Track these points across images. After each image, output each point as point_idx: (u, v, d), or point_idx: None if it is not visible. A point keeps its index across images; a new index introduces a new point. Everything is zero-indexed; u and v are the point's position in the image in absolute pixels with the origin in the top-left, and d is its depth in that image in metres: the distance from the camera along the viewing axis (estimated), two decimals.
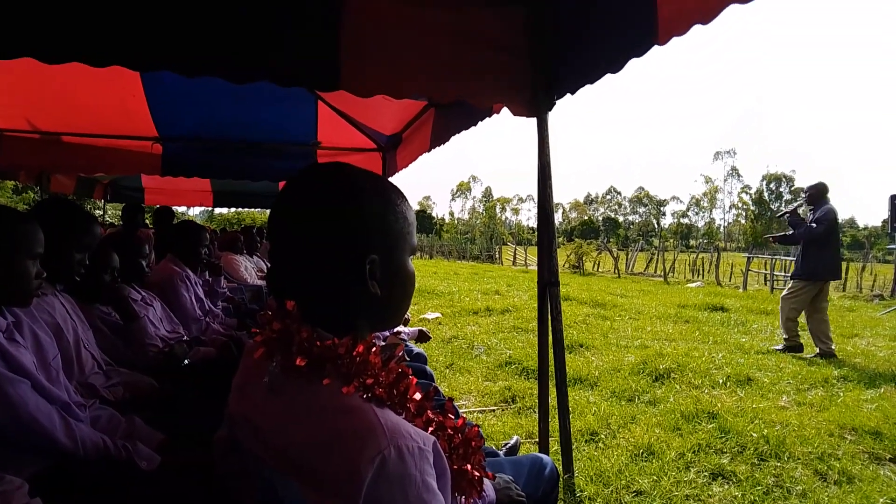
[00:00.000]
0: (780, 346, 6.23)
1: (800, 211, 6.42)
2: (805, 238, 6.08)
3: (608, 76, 2.17)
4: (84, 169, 6.43)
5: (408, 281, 0.92)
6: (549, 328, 2.72)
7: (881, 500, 2.69)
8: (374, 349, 0.83)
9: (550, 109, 2.62)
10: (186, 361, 2.44)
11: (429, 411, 0.89)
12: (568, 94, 2.49)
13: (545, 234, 2.73)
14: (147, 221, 8.17)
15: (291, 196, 0.87)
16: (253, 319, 3.96)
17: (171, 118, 4.82)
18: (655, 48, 1.89)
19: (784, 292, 6.37)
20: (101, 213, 12.51)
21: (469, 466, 0.91)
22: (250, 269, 6.29)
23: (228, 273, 5.68)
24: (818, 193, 6.23)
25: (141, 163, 5.45)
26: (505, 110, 2.76)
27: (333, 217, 0.84)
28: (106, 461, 1.45)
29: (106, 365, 2.04)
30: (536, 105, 2.61)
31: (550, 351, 2.74)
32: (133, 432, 1.63)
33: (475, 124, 3.22)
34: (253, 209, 31.85)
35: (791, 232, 6.41)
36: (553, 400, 2.78)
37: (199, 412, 1.89)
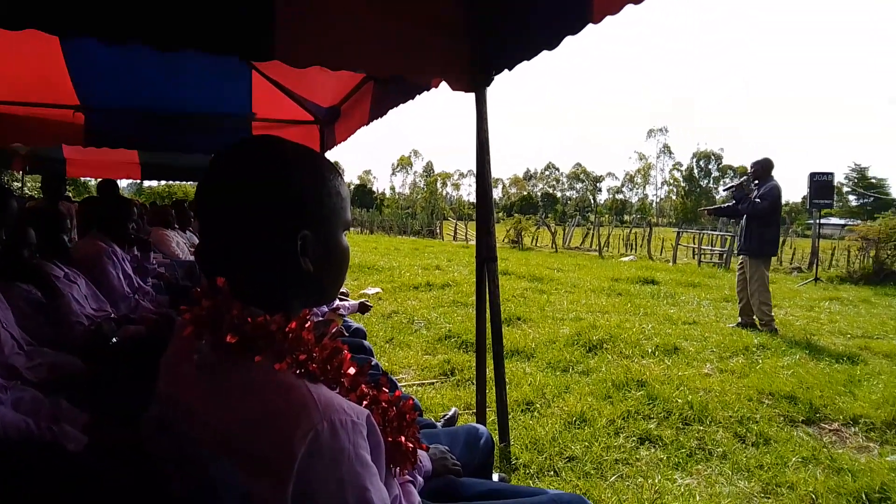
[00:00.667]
0: (736, 324, 6.19)
1: (743, 186, 6.37)
2: (749, 213, 6.06)
3: (545, 53, 2.19)
4: None
5: (341, 257, 0.92)
6: (487, 302, 2.77)
7: (794, 458, 2.89)
8: (307, 325, 0.83)
9: (488, 85, 2.63)
10: (114, 340, 2.35)
11: (363, 385, 0.90)
12: (506, 70, 2.51)
13: (483, 210, 2.76)
14: (70, 194, 7.77)
15: (221, 169, 0.85)
16: (186, 297, 3.83)
17: (94, 86, 4.55)
18: (590, 26, 1.93)
19: (747, 274, 6.15)
20: (19, 185, 11.75)
21: (403, 438, 0.93)
22: (182, 244, 6.09)
23: (160, 249, 5.48)
24: (764, 169, 6.22)
25: (62, 133, 5.13)
26: (444, 84, 2.75)
27: (264, 191, 0.82)
28: (30, 444, 1.40)
29: (27, 345, 1.95)
30: (474, 80, 2.61)
31: (488, 325, 2.80)
32: (58, 414, 1.58)
33: (413, 98, 3.20)
34: (184, 182, 30.65)
35: (731, 204, 6.49)
36: (491, 372, 2.85)
37: (126, 392, 1.83)
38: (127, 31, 2.07)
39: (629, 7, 1.76)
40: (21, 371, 1.77)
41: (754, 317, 6.11)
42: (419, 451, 1.00)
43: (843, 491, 2.59)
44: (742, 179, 6.46)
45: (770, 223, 6.13)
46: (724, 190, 7.56)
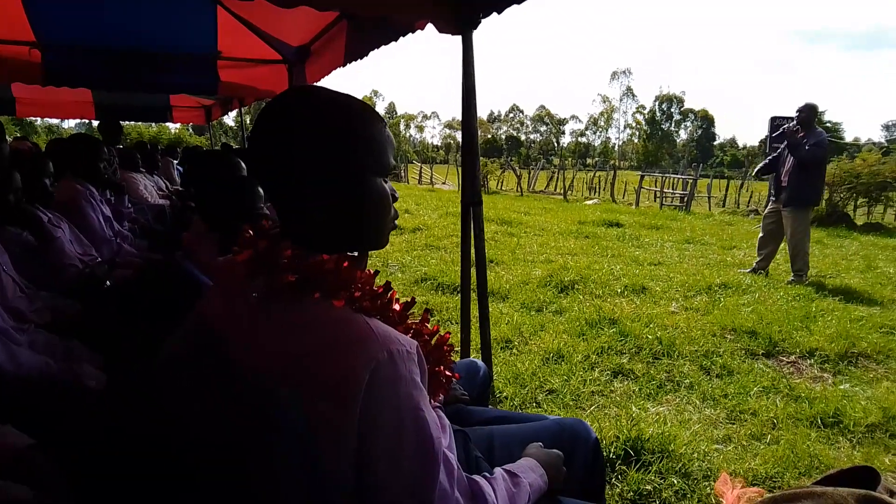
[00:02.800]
0: (792, 278, 5.89)
1: (790, 133, 5.88)
2: (807, 160, 5.68)
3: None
4: None
5: (379, 200, 0.95)
6: (472, 245, 2.84)
7: (755, 388, 3.11)
8: (355, 265, 0.88)
9: (476, 28, 2.62)
10: (108, 283, 2.36)
11: (408, 319, 0.96)
12: (494, 14, 2.49)
13: (469, 156, 2.79)
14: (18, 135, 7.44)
15: (269, 117, 0.88)
16: (163, 240, 3.81)
17: (51, 21, 4.32)
18: None
19: (790, 226, 5.86)
20: None
21: (441, 368, 1.01)
22: (150, 187, 5.96)
23: (127, 193, 5.36)
24: (811, 116, 5.89)
25: (17, 71, 4.91)
26: (429, 27, 2.72)
27: (308, 136, 0.86)
28: (50, 383, 1.44)
29: (26, 288, 1.95)
30: (461, 23, 2.60)
31: (473, 267, 2.88)
32: (73, 354, 1.61)
33: (395, 39, 3.15)
34: (139, 122, 29.45)
35: (771, 158, 6.24)
36: (475, 311, 2.94)
37: (130, 334, 1.87)
38: None
39: None
40: (26, 314, 1.78)
41: (768, 266, 6.14)
42: None
43: (801, 416, 2.82)
44: (787, 127, 5.96)
45: (821, 172, 5.96)
46: (774, 135, 7.10)
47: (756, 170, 6.96)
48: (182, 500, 0.94)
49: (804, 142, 5.73)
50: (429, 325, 1.01)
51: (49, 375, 1.44)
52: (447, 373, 1.03)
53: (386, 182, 0.95)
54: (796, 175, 5.79)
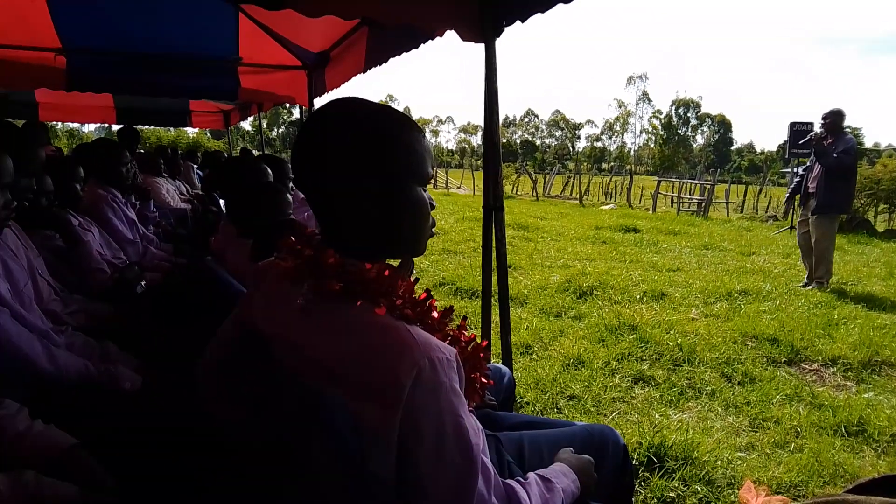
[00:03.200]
0: (808, 284, 5.89)
1: (817, 140, 5.77)
2: (835, 168, 5.56)
3: (560, 6, 2.20)
4: None
5: (417, 208, 0.96)
6: (494, 251, 2.85)
7: (778, 396, 3.09)
8: (396, 273, 0.91)
9: (499, 36, 2.63)
10: (143, 284, 2.40)
11: (447, 327, 0.98)
12: (518, 22, 2.51)
13: (491, 161, 2.80)
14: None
15: (313, 126, 0.91)
16: (189, 245, 3.87)
17: (76, 27, 4.40)
18: None
19: (816, 233, 5.75)
20: None
21: (477, 374, 1.03)
22: (172, 191, 6.05)
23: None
24: (838, 121, 5.75)
25: (42, 77, 4.98)
26: (450, 33, 2.74)
27: (347, 145, 0.89)
28: (88, 385, 1.47)
29: (60, 291, 2.00)
30: (485, 31, 2.62)
31: (494, 273, 2.89)
32: (109, 356, 1.64)
33: (417, 46, 3.18)
34: (158, 127, 29.80)
35: (797, 181, 6.23)
36: (495, 317, 2.95)
37: (164, 336, 1.91)
38: None
39: None
40: (62, 317, 1.82)
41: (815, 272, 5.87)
42: None
43: (825, 425, 2.80)
44: (814, 134, 5.85)
45: (851, 179, 5.82)
46: (801, 143, 6.90)
47: (787, 197, 6.96)
48: (224, 498, 0.97)
49: (832, 149, 5.63)
50: (466, 333, 1.03)
51: (87, 377, 1.47)
52: (482, 379, 1.05)
53: (424, 191, 0.97)
54: (824, 182, 5.68)
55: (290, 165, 3.31)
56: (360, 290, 0.87)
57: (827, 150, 5.64)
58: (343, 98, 0.94)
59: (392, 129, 0.92)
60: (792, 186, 6.62)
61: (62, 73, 4.98)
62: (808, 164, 6.13)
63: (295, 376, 0.87)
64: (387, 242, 0.97)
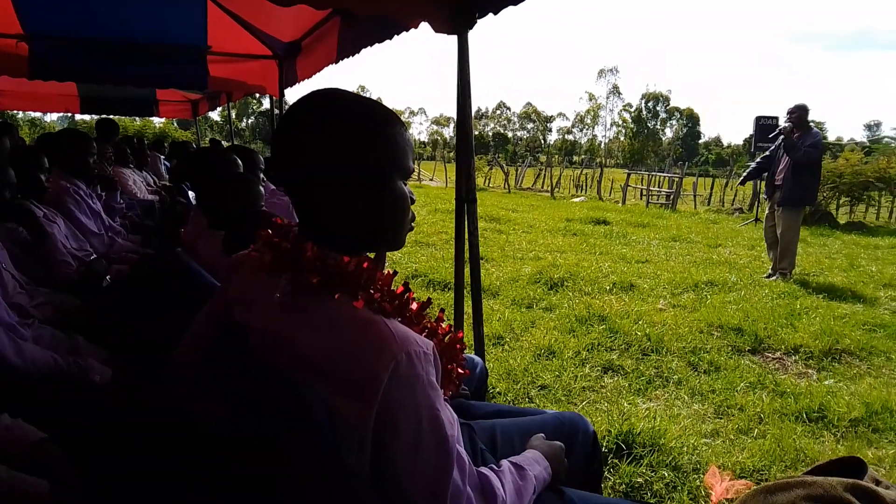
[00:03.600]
0: (772, 275, 6.02)
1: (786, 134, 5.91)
2: (803, 162, 5.70)
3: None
4: None
5: (400, 202, 0.97)
6: (466, 243, 2.87)
7: (742, 384, 3.18)
8: (375, 266, 0.92)
9: (472, 28, 2.64)
10: (108, 278, 2.36)
11: (424, 319, 1.00)
12: (490, 14, 2.52)
13: (464, 153, 2.82)
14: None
15: (292, 118, 0.91)
16: (158, 236, 3.80)
17: (39, 13, 4.28)
18: None
19: (782, 225, 5.90)
20: None
21: (454, 365, 1.04)
22: (139, 182, 5.94)
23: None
24: (803, 116, 5.90)
25: (2, 63, 4.84)
26: (423, 25, 2.74)
27: (329, 135, 0.89)
28: (57, 378, 1.45)
29: (25, 284, 1.96)
30: (457, 23, 2.62)
31: (467, 265, 2.91)
32: (77, 349, 1.62)
33: (390, 38, 3.17)
34: (124, 117, 29.06)
35: (759, 161, 6.40)
36: (468, 308, 2.98)
37: (133, 328, 1.88)
38: None
39: None
40: (28, 310, 1.79)
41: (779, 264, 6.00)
42: None
43: (787, 411, 2.89)
44: (783, 128, 5.98)
45: (816, 172, 5.99)
46: (770, 136, 6.65)
47: (742, 179, 7.05)
48: (201, 492, 0.97)
49: (800, 142, 5.76)
50: (443, 325, 1.05)
51: (56, 370, 1.45)
52: (459, 370, 1.06)
53: (405, 184, 0.98)
54: (791, 175, 5.81)
55: (260, 157, 3.29)
56: (339, 284, 0.88)
57: (796, 143, 5.76)
58: (324, 89, 0.94)
59: (374, 120, 0.93)
60: (750, 171, 6.81)
61: (24, 61, 4.85)
62: (768, 153, 6.28)
63: (273, 368, 0.87)
64: (367, 235, 0.97)
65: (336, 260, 0.90)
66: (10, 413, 1.29)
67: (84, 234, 2.95)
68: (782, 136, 5.94)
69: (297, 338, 0.87)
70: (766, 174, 6.40)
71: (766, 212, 6.33)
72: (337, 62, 4.02)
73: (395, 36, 3.11)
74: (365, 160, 0.91)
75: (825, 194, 12.15)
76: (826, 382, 3.28)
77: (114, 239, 3.15)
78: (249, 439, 0.90)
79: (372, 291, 0.90)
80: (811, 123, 6.02)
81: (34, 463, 1.16)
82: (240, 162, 2.41)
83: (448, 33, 2.67)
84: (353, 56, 3.77)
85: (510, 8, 2.38)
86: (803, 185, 5.83)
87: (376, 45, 3.38)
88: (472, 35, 2.66)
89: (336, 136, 0.89)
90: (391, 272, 0.96)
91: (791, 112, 5.98)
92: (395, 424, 0.82)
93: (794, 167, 5.77)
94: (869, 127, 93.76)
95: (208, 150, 2.62)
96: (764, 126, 11.60)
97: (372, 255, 1.00)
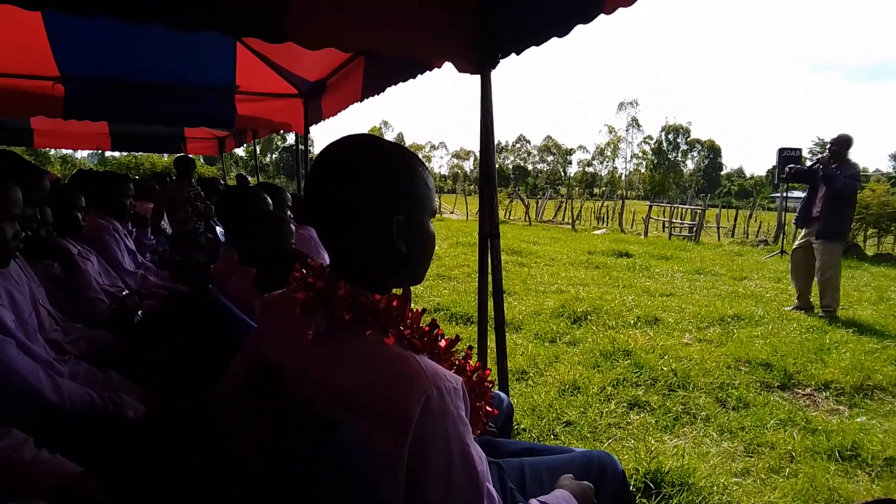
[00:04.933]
0: (800, 308, 5.90)
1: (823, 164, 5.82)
2: (844, 192, 5.58)
3: (554, 40, 2.27)
4: None
5: (430, 241, 1.02)
6: (490, 277, 2.89)
7: (772, 421, 3.12)
8: (405, 303, 0.94)
9: (494, 68, 2.70)
10: (140, 313, 2.42)
11: (453, 356, 1.01)
12: (513, 54, 2.58)
13: (487, 189, 2.85)
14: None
15: (327, 162, 0.95)
16: (186, 271, 3.88)
17: (75, 56, 4.45)
18: (602, 16, 2.01)
19: (822, 258, 5.69)
20: None
21: (482, 403, 1.06)
22: (167, 219, 6.06)
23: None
24: (844, 148, 5.76)
25: (39, 104, 5.04)
26: (447, 65, 2.81)
27: (365, 182, 0.92)
28: (92, 414, 1.48)
29: (60, 321, 2.01)
30: (480, 63, 2.68)
31: (490, 299, 2.92)
32: (111, 384, 1.66)
33: (414, 77, 3.24)
34: (152, 154, 29.83)
35: (814, 168, 6.01)
36: (492, 343, 2.97)
37: (165, 364, 1.92)
38: (141, 10, 2.10)
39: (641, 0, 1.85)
40: (64, 346, 1.83)
41: (811, 299, 5.89)
42: None
43: (818, 449, 2.82)
44: (821, 156, 5.93)
45: (853, 204, 5.88)
46: (810, 166, 6.30)
47: (788, 175, 6.64)
48: None
49: (839, 173, 5.61)
50: (471, 362, 1.06)
51: (91, 406, 1.48)
52: (487, 408, 1.07)
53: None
54: (829, 207, 5.65)
55: (288, 194, 3.35)
56: (371, 321, 0.90)
57: (835, 174, 5.62)
58: (359, 135, 0.98)
59: (411, 167, 0.97)
60: (799, 168, 6.61)
61: (60, 101, 5.04)
62: (814, 168, 6.03)
63: (308, 404, 0.89)
64: (401, 274, 1.01)
65: (367, 298, 0.92)
66: (48, 448, 1.32)
67: (118, 271, 3.02)
68: (821, 166, 5.80)
69: (331, 373, 0.90)
70: (805, 196, 6.15)
71: (797, 243, 6.12)
72: (362, 100, 4.11)
73: (419, 75, 3.19)
74: (407, 205, 0.96)
75: (853, 226, 11.97)
76: (858, 419, 3.20)
77: (145, 276, 3.22)
78: (284, 474, 0.92)
79: (402, 328, 0.92)
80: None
81: (72, 498, 1.18)
82: (269, 200, 2.47)
83: (472, 73, 2.73)
84: (377, 95, 3.85)
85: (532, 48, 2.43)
86: (841, 216, 5.68)
87: (400, 83, 3.46)
88: (494, 72, 2.71)
89: (382, 183, 0.93)
90: (420, 310, 0.98)
91: (832, 143, 5.84)
92: (427, 458, 0.83)
93: (832, 198, 5.62)
94: (894, 157, 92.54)
95: (238, 188, 2.69)
96: (787, 157, 11.51)
97: (398, 291, 1.03)
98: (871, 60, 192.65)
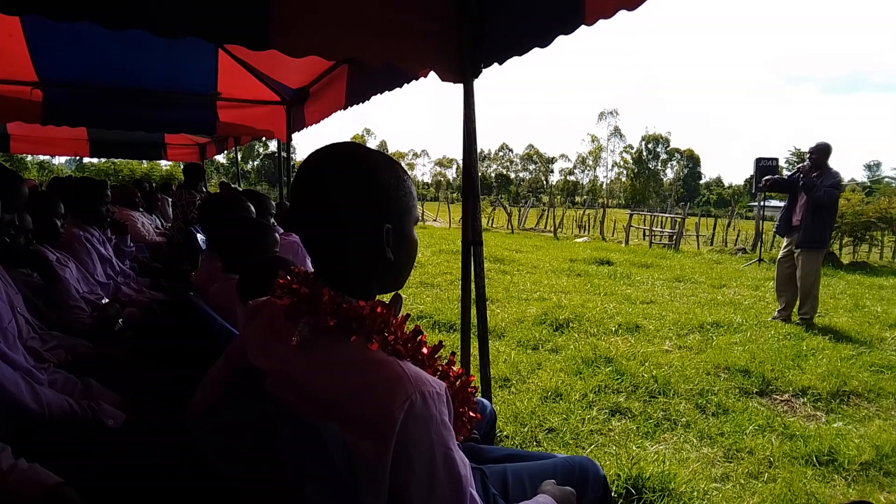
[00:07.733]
0: (779, 318, 5.88)
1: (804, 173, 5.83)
2: (823, 202, 5.57)
3: (536, 49, 2.30)
4: None
5: (413, 247, 1.04)
6: (473, 285, 2.90)
7: (751, 426, 3.16)
8: (388, 309, 0.95)
9: (477, 77, 2.73)
10: (121, 322, 2.39)
11: (437, 362, 1.02)
12: (496, 64, 2.60)
13: (470, 197, 2.87)
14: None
15: (312, 171, 0.95)
16: (166, 278, 3.85)
17: (54, 61, 4.40)
18: (583, 28, 2.04)
19: (803, 267, 5.69)
20: None
21: (465, 409, 1.06)
22: (147, 225, 6.02)
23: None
24: (824, 156, 5.75)
25: (17, 109, 4.96)
26: (431, 74, 2.83)
27: (352, 190, 0.93)
28: (72, 422, 1.46)
29: (38, 329, 1.98)
30: (463, 72, 2.71)
31: (473, 306, 2.93)
32: (90, 393, 1.64)
33: (400, 86, 3.26)
34: (131, 160, 29.49)
35: (792, 177, 6.06)
36: (474, 350, 2.98)
37: (145, 372, 1.90)
38: (123, 16, 2.08)
39: (622, 12, 1.88)
40: (43, 354, 1.81)
41: (794, 310, 5.88)
42: None
43: (796, 454, 2.86)
44: (801, 166, 5.94)
45: (834, 213, 5.90)
46: (790, 175, 6.31)
47: (765, 185, 6.66)
48: None
49: (819, 182, 5.63)
50: (454, 368, 1.07)
51: (70, 414, 1.47)
52: (471, 413, 1.08)
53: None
54: (810, 216, 5.66)
55: (271, 201, 3.34)
56: (355, 327, 0.91)
57: (815, 183, 5.64)
58: (341, 143, 0.98)
59: (398, 175, 0.98)
60: (778, 177, 6.66)
61: (38, 107, 4.98)
62: (794, 177, 6.07)
63: (290, 411, 0.90)
64: (386, 280, 1.02)
65: (351, 304, 0.93)
66: (26, 457, 1.30)
67: (88, 283, 2.98)
68: (801, 175, 5.83)
69: (314, 379, 0.90)
70: (784, 207, 6.18)
71: (781, 253, 6.12)
72: (346, 108, 4.11)
73: (405, 84, 3.20)
74: (395, 214, 0.97)
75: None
76: (835, 425, 3.25)
77: (118, 286, 3.17)
78: (266, 481, 0.92)
79: (386, 334, 0.93)
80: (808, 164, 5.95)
81: None
82: (252, 207, 2.46)
83: (454, 82, 2.76)
84: (362, 103, 3.86)
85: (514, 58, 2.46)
86: (822, 224, 5.70)
87: (385, 92, 3.47)
88: (477, 81, 2.73)
89: (372, 193, 0.94)
90: (404, 316, 0.99)
91: (811, 152, 5.85)
92: (410, 463, 0.84)
93: (813, 207, 5.63)
94: (869, 167, 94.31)
95: (223, 196, 2.68)
96: (764, 167, 11.69)
97: (384, 298, 1.03)
98: (845, 72, 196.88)
